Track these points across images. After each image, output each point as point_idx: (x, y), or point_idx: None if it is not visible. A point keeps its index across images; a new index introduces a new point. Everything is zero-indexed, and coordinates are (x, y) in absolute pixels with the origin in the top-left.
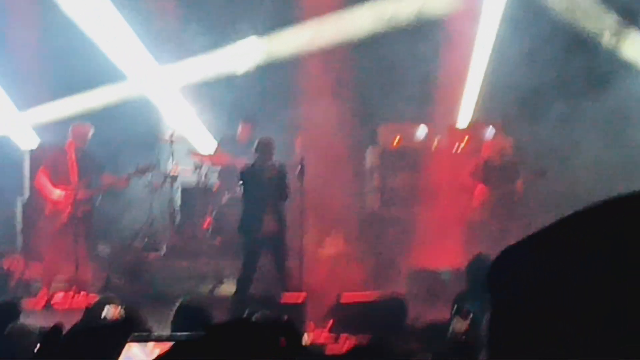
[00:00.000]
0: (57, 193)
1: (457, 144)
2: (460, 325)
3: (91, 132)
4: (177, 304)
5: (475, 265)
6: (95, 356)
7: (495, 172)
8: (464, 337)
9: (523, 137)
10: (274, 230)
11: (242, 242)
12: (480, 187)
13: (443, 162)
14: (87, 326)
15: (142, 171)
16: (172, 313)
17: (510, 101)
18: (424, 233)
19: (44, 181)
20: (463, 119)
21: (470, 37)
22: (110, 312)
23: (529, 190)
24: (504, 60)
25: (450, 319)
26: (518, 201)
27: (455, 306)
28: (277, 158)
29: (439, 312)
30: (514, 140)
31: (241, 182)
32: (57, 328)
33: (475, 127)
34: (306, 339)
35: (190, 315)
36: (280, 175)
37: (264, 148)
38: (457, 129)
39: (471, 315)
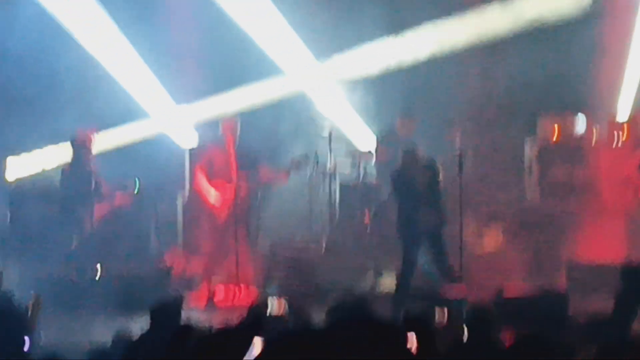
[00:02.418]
0: (213, 191)
1: (617, 135)
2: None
3: (238, 124)
4: (338, 300)
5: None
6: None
7: None
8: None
9: None
10: (432, 226)
11: (401, 238)
12: None
13: (604, 154)
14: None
15: (297, 164)
16: (332, 308)
17: None
18: (585, 226)
19: (200, 179)
20: (623, 110)
21: (630, 26)
22: (275, 306)
23: None
24: None
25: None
26: None
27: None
28: (434, 152)
29: (601, 306)
30: None
31: (392, 186)
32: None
33: (635, 118)
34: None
35: (350, 311)
36: (432, 177)
37: (409, 158)
38: (617, 120)
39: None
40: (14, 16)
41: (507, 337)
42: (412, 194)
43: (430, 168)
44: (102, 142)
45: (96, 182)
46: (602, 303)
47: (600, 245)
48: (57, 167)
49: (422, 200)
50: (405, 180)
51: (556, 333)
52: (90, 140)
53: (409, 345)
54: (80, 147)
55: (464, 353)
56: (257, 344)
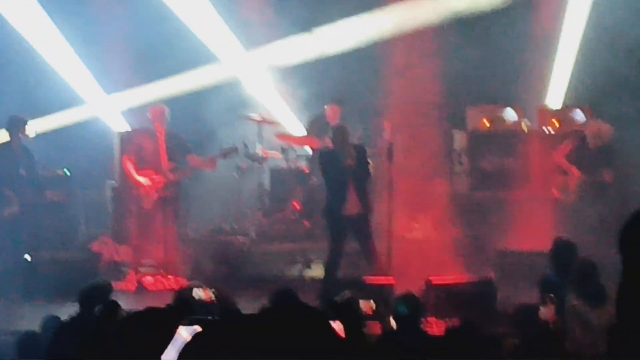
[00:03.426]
0: (142, 179)
1: (547, 126)
2: (547, 312)
3: (167, 112)
4: (266, 287)
5: (560, 249)
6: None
7: (590, 156)
8: (551, 325)
9: (615, 122)
10: (358, 212)
11: (328, 225)
12: (574, 171)
13: (534, 144)
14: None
15: (226, 154)
16: (261, 296)
17: (603, 84)
18: (514, 216)
19: (129, 168)
20: (553, 101)
21: (559, 18)
22: (201, 294)
23: (622, 178)
24: (596, 41)
25: (538, 305)
26: (610, 187)
27: (541, 293)
28: (364, 140)
29: (529, 296)
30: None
31: (321, 166)
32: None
33: (566, 110)
34: (392, 323)
35: (279, 298)
36: (360, 157)
37: (339, 136)
38: (548, 110)
39: (556, 303)
40: None
41: (435, 327)
42: (339, 174)
43: (358, 148)
44: (36, 127)
45: (28, 167)
46: (531, 292)
47: (530, 234)
48: None
49: (349, 182)
50: (332, 159)
51: (484, 322)
52: (24, 126)
53: (337, 329)
54: (14, 132)
55: (391, 342)
56: (183, 332)
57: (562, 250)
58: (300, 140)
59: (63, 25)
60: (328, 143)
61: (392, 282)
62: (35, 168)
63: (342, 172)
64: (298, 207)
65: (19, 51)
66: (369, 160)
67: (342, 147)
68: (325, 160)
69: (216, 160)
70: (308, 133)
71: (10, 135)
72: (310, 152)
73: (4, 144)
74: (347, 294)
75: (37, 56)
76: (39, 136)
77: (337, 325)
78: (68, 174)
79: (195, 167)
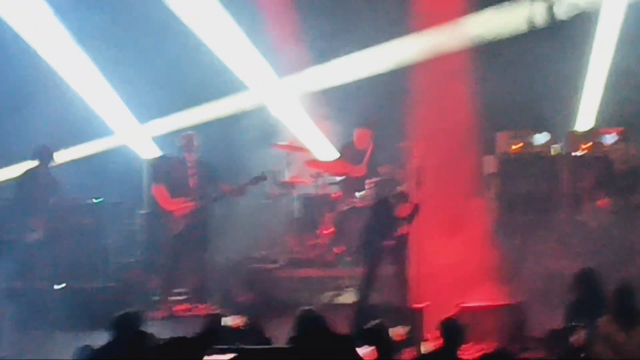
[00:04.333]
0: (173, 204)
1: (576, 150)
2: (577, 336)
3: (197, 139)
4: (297, 314)
5: (587, 275)
6: None
7: (619, 179)
8: (582, 349)
9: None
10: (396, 241)
11: (363, 252)
12: (602, 194)
13: (563, 168)
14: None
15: (256, 181)
16: (292, 322)
17: (632, 107)
18: (544, 239)
19: (159, 194)
20: (583, 124)
21: (590, 40)
22: (230, 322)
23: None
24: (626, 64)
25: (568, 330)
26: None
27: (571, 317)
28: (395, 166)
29: (560, 320)
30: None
31: (365, 194)
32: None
33: (595, 133)
34: (426, 348)
35: (309, 325)
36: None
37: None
38: (577, 134)
39: (586, 327)
40: None
41: (466, 352)
42: (383, 204)
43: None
44: (65, 156)
45: (55, 195)
46: (562, 315)
47: (560, 257)
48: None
49: (391, 214)
50: (382, 211)
51: (515, 346)
52: (51, 155)
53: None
54: (41, 161)
55: None
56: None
57: (590, 274)
58: (330, 167)
59: (94, 53)
60: (358, 169)
61: (423, 307)
62: (63, 196)
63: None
64: (327, 233)
65: (48, 80)
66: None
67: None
68: (375, 210)
69: (245, 187)
70: (340, 158)
71: (39, 164)
72: (339, 178)
73: (30, 171)
74: (377, 320)
75: (65, 85)
76: (69, 164)
77: (367, 351)
78: (98, 201)
79: (225, 194)
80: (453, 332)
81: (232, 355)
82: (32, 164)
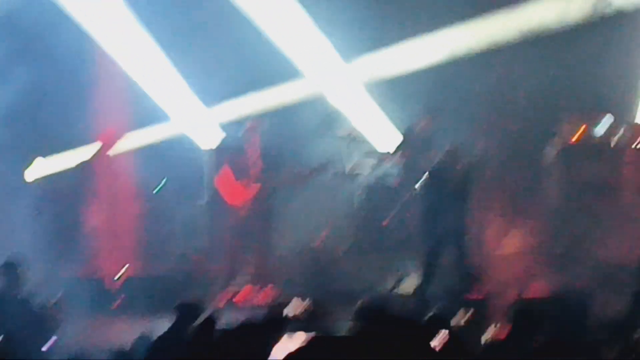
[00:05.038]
0: (238, 190)
1: (638, 141)
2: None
3: (262, 126)
4: (360, 301)
5: None
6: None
7: None
8: None
9: None
10: (456, 226)
11: (425, 239)
12: None
13: (625, 158)
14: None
15: (318, 170)
16: (354, 309)
17: None
18: (607, 228)
19: (226, 179)
20: None
21: None
22: (295, 307)
23: None
24: None
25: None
26: None
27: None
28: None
29: (623, 309)
30: None
31: (427, 180)
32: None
33: None
34: (487, 336)
35: (372, 312)
36: (466, 178)
37: (452, 157)
38: (638, 125)
39: None
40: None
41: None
42: (444, 194)
43: (466, 171)
44: (126, 143)
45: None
46: (624, 304)
47: (623, 246)
48: (76, 167)
49: (453, 202)
50: (442, 179)
51: (580, 334)
52: (113, 140)
53: (433, 344)
54: (103, 147)
55: (488, 353)
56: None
57: None
58: (390, 156)
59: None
60: (438, 158)
61: (486, 293)
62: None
63: (446, 194)
64: (391, 220)
65: (111, 66)
66: (474, 184)
67: (454, 165)
68: (434, 177)
69: (308, 176)
70: (401, 147)
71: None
72: (400, 166)
73: (85, 162)
74: (440, 307)
75: (127, 72)
76: (134, 151)
77: (439, 335)
78: (162, 188)
79: (288, 182)
80: (522, 318)
81: (303, 338)
82: (96, 151)
